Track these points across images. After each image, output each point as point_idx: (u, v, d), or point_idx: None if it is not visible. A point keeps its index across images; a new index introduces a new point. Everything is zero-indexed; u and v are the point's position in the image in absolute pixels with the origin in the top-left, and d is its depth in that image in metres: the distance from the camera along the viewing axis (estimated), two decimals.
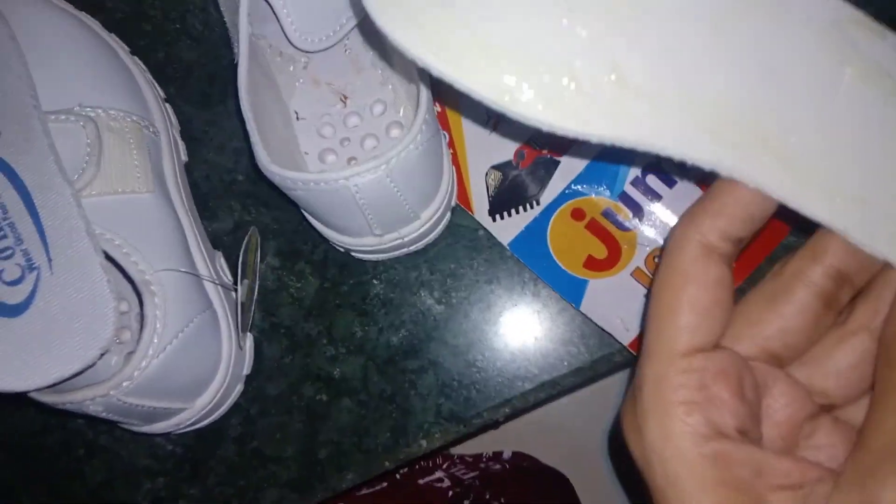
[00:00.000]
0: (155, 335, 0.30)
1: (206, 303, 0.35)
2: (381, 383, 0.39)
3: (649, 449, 0.21)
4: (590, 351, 0.38)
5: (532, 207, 0.39)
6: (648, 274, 0.37)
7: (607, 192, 0.38)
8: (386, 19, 0.23)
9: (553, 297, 0.39)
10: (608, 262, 0.38)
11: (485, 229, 0.39)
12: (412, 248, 0.38)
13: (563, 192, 0.39)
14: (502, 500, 0.51)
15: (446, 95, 0.39)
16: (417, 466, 0.58)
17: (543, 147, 0.39)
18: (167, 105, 0.40)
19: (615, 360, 0.38)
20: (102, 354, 0.29)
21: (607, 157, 0.38)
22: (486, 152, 0.39)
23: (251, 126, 0.31)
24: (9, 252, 0.29)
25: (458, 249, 0.39)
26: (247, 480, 0.39)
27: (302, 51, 0.37)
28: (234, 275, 0.37)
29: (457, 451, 0.65)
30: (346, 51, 0.38)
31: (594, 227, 0.38)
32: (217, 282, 0.35)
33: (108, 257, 0.31)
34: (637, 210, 0.38)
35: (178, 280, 0.32)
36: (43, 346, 0.28)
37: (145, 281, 0.31)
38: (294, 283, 0.40)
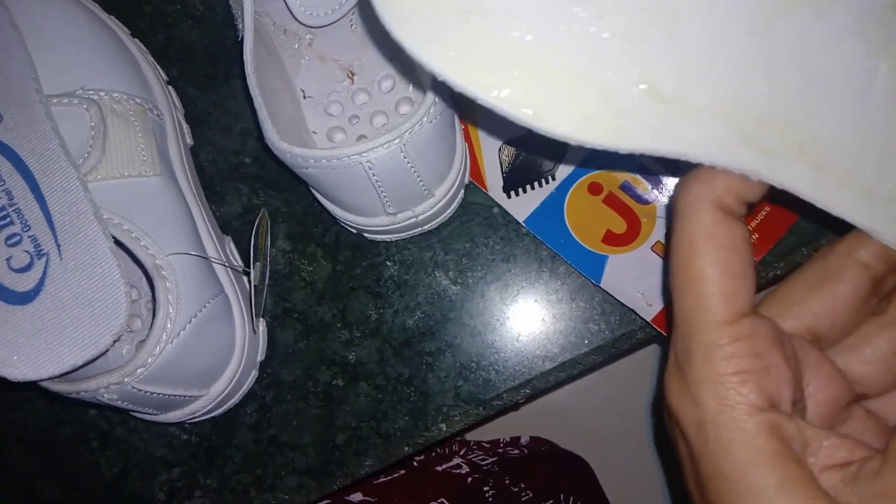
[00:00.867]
0: (168, 320, 0.29)
1: (218, 288, 0.34)
2: (398, 366, 0.38)
3: (705, 422, 0.21)
4: (611, 328, 0.37)
5: (548, 183, 0.38)
6: None
7: (625, 165, 0.37)
8: (404, 32, 0.21)
9: (572, 273, 0.38)
10: (627, 237, 0.37)
11: (499, 206, 0.38)
12: (426, 227, 0.37)
13: (578, 167, 0.38)
14: (522, 485, 0.51)
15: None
16: (434, 454, 0.57)
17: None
18: (170, 87, 0.39)
19: (637, 337, 0.37)
20: (116, 341, 0.28)
21: None
22: (500, 128, 0.38)
23: (258, 102, 0.30)
24: (16, 239, 0.29)
25: (473, 228, 0.38)
26: (264, 468, 0.39)
27: (307, 26, 0.36)
28: (245, 259, 0.37)
29: (473, 437, 0.64)
30: (351, 25, 0.37)
31: (612, 201, 0.37)
32: (229, 265, 0.34)
33: (118, 242, 0.30)
34: (656, 182, 0.37)
35: (189, 264, 0.32)
36: (55, 334, 0.27)
37: (156, 265, 0.30)
38: (306, 267, 0.39)
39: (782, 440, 0.20)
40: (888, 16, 0.23)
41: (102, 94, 0.34)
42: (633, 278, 0.36)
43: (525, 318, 0.38)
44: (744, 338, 0.21)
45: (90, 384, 0.29)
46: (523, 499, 0.51)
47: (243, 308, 0.35)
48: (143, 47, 0.39)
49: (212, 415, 0.36)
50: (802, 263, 0.25)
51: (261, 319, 0.37)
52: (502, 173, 0.38)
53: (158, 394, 0.31)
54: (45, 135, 0.30)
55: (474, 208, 0.39)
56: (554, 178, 0.38)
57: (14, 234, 0.29)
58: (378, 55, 0.37)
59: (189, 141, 0.39)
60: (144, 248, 0.30)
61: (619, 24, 0.21)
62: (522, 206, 0.38)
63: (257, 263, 0.34)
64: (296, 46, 0.38)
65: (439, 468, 0.52)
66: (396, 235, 0.37)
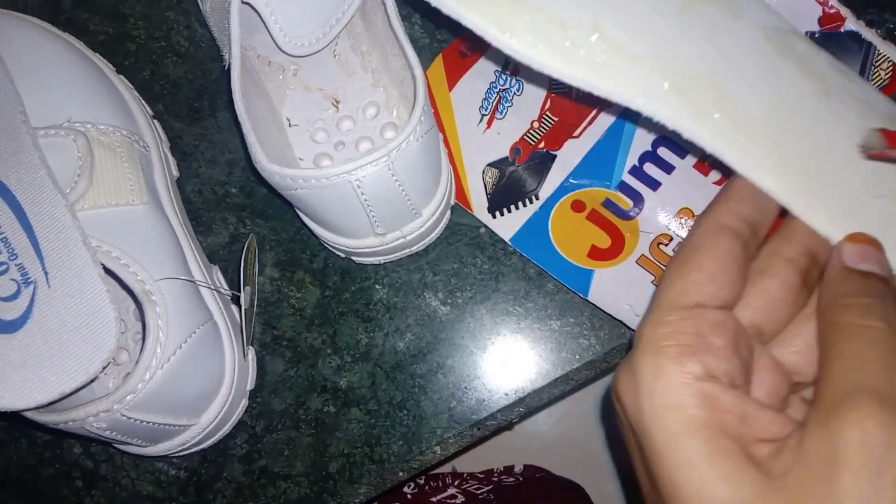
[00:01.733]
0: (158, 345, 0.29)
1: (207, 314, 0.34)
2: (391, 390, 0.38)
3: (641, 393, 0.21)
4: (601, 343, 0.38)
5: (532, 202, 0.39)
6: (654, 261, 0.37)
7: (606, 183, 0.38)
8: None
9: (560, 290, 0.38)
10: (612, 251, 0.37)
11: (485, 227, 0.39)
12: (414, 248, 0.37)
13: (561, 186, 0.38)
14: None
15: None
16: (428, 487, 0.56)
17: (540, 141, 0.39)
18: (155, 122, 0.40)
19: (627, 351, 0.38)
20: (105, 367, 0.28)
21: (603, 149, 0.38)
22: (482, 150, 0.39)
23: (247, 128, 0.31)
24: (3, 267, 0.28)
25: (460, 248, 0.39)
26: (255, 501, 0.38)
27: (291, 56, 0.37)
28: (233, 289, 0.36)
29: (466, 469, 0.63)
30: (335, 55, 0.38)
31: (595, 218, 0.38)
32: (219, 289, 0.34)
33: (107, 270, 0.30)
34: (637, 198, 0.38)
35: (178, 290, 0.32)
36: (43, 362, 0.27)
37: (146, 291, 0.30)
38: (294, 294, 0.39)
39: (716, 410, 0.20)
40: (791, 38, 0.28)
41: (89, 125, 0.34)
42: (619, 291, 0.37)
43: (515, 336, 0.38)
44: (690, 318, 0.22)
45: (78, 413, 0.28)
46: None
47: (232, 335, 0.35)
48: (129, 83, 0.40)
49: (201, 446, 0.36)
50: None
51: (250, 347, 0.37)
52: (487, 194, 0.39)
53: (148, 422, 0.30)
54: (32, 165, 0.30)
55: (461, 229, 0.39)
56: (538, 198, 0.38)
57: (1, 263, 0.29)
58: (362, 83, 0.38)
59: (175, 173, 0.40)
60: (133, 274, 0.30)
61: None
62: (508, 225, 0.39)
63: (247, 287, 0.33)
64: (280, 77, 0.38)
65: (434, 499, 0.51)
66: (385, 258, 0.37)
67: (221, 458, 0.38)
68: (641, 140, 0.38)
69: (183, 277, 0.32)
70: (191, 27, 0.42)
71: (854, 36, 0.36)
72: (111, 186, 0.32)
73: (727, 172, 0.38)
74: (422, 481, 0.56)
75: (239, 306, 0.36)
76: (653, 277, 0.37)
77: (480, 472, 0.59)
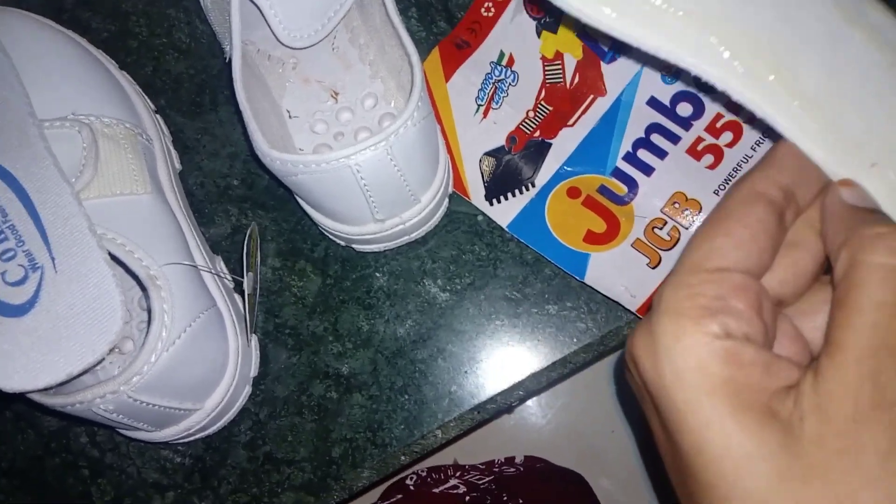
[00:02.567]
0: (164, 328, 0.30)
1: (211, 301, 0.34)
2: (392, 375, 0.38)
3: (660, 354, 0.21)
4: (598, 326, 0.38)
5: (528, 190, 0.39)
6: (649, 244, 0.37)
7: (601, 170, 0.39)
8: None
9: (557, 275, 0.39)
10: (608, 236, 0.38)
11: (483, 214, 0.39)
12: (413, 235, 0.38)
13: (557, 173, 0.39)
14: (520, 501, 0.50)
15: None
16: (430, 478, 0.57)
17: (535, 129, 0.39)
18: (158, 116, 0.41)
19: (624, 333, 0.38)
20: (112, 349, 0.28)
21: (597, 136, 0.39)
22: (478, 140, 0.40)
23: (248, 115, 0.31)
24: (10, 254, 0.29)
25: (459, 235, 0.40)
26: (260, 487, 0.38)
27: (291, 48, 0.37)
28: (235, 277, 0.37)
29: (466, 461, 0.64)
30: (333, 48, 0.39)
31: (591, 203, 0.39)
32: (221, 274, 0.35)
33: (112, 256, 0.31)
34: (631, 184, 0.38)
35: (182, 276, 0.32)
36: (51, 344, 0.28)
37: (151, 276, 0.31)
38: (296, 283, 0.40)
39: (739, 365, 0.20)
40: (863, 2, 0.26)
41: (93, 118, 0.35)
42: (615, 273, 0.37)
43: (514, 321, 0.39)
44: (713, 281, 0.21)
45: (86, 395, 0.29)
46: None
47: (235, 322, 0.36)
48: (131, 78, 0.40)
49: (206, 432, 0.36)
50: None
51: (253, 335, 0.38)
52: (484, 183, 0.40)
53: (153, 405, 0.31)
54: (38, 154, 0.31)
55: (459, 217, 0.40)
56: (534, 185, 0.39)
57: (8, 250, 0.29)
58: (360, 75, 0.39)
59: (178, 166, 0.40)
60: (138, 259, 0.31)
61: None
62: (505, 212, 0.39)
63: (250, 273, 0.34)
64: (280, 70, 0.39)
65: (436, 490, 0.51)
66: (385, 245, 0.38)
67: (226, 444, 0.38)
68: (635, 127, 0.38)
69: (188, 263, 0.32)
70: (192, 24, 0.43)
71: None
72: (116, 176, 0.33)
73: (720, 157, 0.39)
74: (424, 473, 0.56)
75: (242, 295, 0.36)
76: (647, 260, 0.37)
77: (482, 464, 0.59)
